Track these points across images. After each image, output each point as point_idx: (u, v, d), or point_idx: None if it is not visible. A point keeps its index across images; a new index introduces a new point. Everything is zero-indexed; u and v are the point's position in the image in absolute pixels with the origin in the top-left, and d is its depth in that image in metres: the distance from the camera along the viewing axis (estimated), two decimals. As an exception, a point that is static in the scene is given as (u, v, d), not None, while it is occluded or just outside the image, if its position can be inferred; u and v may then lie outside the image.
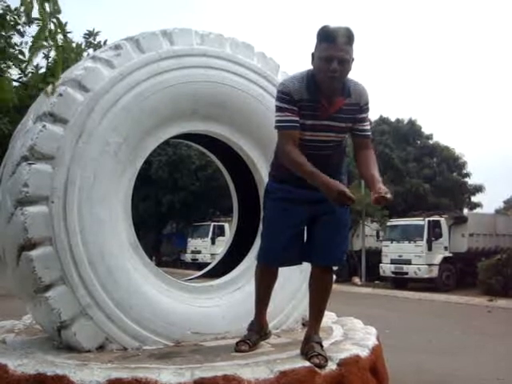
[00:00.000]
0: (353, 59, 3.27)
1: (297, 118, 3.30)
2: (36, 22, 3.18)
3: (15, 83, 7.30)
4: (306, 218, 3.54)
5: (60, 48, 3.13)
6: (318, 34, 3.26)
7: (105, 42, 9.19)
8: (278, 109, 3.34)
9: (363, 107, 3.44)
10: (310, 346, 3.43)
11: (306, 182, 3.34)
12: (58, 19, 2.88)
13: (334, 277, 3.74)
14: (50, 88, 3.48)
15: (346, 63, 3.22)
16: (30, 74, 8.63)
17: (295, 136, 3.30)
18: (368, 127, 3.52)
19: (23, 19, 6.36)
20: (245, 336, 3.72)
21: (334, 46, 3.17)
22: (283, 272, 3.80)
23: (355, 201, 3.11)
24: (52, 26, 2.88)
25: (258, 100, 4.19)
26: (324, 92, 3.30)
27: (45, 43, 3.04)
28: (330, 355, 3.41)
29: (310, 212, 3.52)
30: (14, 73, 7.99)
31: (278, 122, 3.35)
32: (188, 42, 4.00)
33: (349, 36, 3.21)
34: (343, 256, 3.63)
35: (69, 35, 3.25)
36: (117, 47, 3.81)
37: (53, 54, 3.89)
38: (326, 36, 3.19)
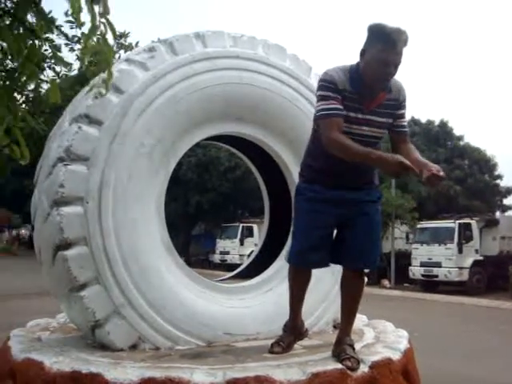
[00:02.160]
0: None
1: (342, 107, 3.25)
2: (83, 24, 3.22)
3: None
4: (337, 219, 3.51)
5: (111, 48, 3.17)
6: (375, 33, 3.20)
7: (136, 44, 9.29)
8: (322, 97, 3.28)
9: (402, 103, 3.44)
10: (342, 348, 3.42)
11: (337, 181, 3.37)
12: (107, 20, 2.91)
13: (366, 279, 3.73)
14: (102, 88, 3.50)
15: (398, 67, 3.23)
16: (63, 77, 8.78)
17: (341, 124, 3.24)
18: (406, 123, 3.52)
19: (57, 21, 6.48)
20: (279, 337, 3.72)
21: (393, 51, 3.15)
22: (315, 273, 3.78)
23: (414, 170, 3.02)
24: (102, 27, 2.92)
25: (290, 102, 4.19)
26: (368, 87, 3.28)
27: (94, 43, 3.08)
28: (362, 358, 3.40)
29: (340, 213, 3.49)
30: (48, 75, 8.12)
31: (322, 110, 3.27)
32: (221, 44, 4.03)
33: (406, 40, 3.19)
34: (376, 259, 3.60)
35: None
36: (151, 49, 3.85)
37: (88, 56, 3.93)
38: (386, 39, 3.13)
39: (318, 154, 3.48)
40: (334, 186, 3.40)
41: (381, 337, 4.10)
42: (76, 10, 2.76)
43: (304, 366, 3.19)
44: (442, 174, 3.04)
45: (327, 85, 3.26)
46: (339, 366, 3.24)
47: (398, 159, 3.04)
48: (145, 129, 3.68)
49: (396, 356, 3.59)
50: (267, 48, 4.21)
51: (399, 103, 3.42)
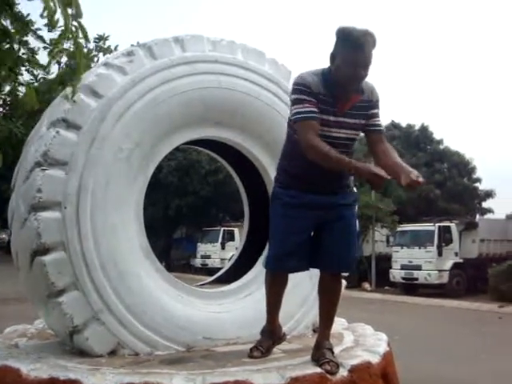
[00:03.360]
0: None
1: (316, 110, 3.27)
2: (57, 26, 3.18)
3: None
4: (313, 224, 3.52)
5: (81, 51, 3.15)
6: (343, 37, 3.24)
7: (116, 47, 9.24)
8: (297, 101, 3.30)
9: (375, 103, 3.47)
10: (321, 352, 3.43)
11: (312, 186, 3.38)
12: (79, 23, 2.90)
13: (344, 282, 3.74)
14: (69, 90, 3.49)
15: (369, 67, 3.26)
16: (41, 80, 8.70)
17: (316, 127, 3.26)
18: (380, 122, 3.53)
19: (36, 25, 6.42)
20: (257, 342, 3.72)
21: (362, 53, 3.19)
22: (293, 278, 3.79)
23: (387, 178, 3.03)
24: (74, 30, 2.90)
25: (269, 106, 4.20)
26: (341, 90, 3.31)
27: (65, 47, 3.07)
28: (341, 361, 3.41)
29: (317, 218, 3.49)
30: (26, 78, 8.04)
31: (297, 113, 3.29)
32: (200, 49, 4.02)
33: (374, 42, 3.23)
34: (353, 262, 3.62)
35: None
36: (129, 54, 3.84)
37: (64, 59, 3.90)
38: (353, 42, 3.18)
39: (293, 158, 3.49)
40: (309, 190, 3.41)
41: (360, 340, 4.11)
42: (50, 12, 2.74)
43: (283, 371, 3.20)
44: (421, 179, 3.05)
45: (302, 88, 3.29)
46: (318, 370, 3.25)
47: (371, 170, 3.07)
48: (123, 133, 3.67)
49: (375, 359, 3.61)
50: (246, 52, 4.21)
51: (372, 104, 3.45)
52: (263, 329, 3.79)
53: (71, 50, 3.10)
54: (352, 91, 3.33)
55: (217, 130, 4.18)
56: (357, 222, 3.64)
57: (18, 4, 4.14)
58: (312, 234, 3.56)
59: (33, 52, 4.20)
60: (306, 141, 3.26)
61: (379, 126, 3.52)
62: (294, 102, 3.33)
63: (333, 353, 3.46)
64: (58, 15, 2.89)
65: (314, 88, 3.28)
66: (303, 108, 3.27)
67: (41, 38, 4.14)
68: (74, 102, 3.53)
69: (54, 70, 8.56)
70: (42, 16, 2.69)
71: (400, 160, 3.32)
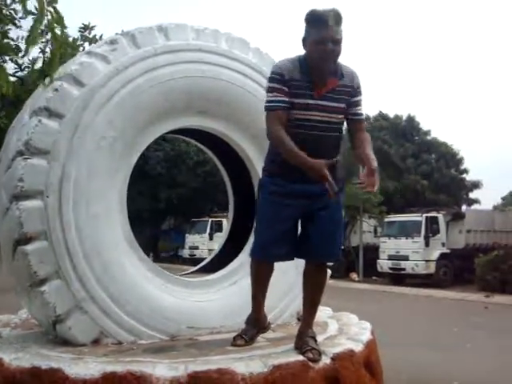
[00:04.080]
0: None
1: (286, 99, 3.33)
2: (32, 14, 3.14)
3: (12, 78, 7.28)
4: (299, 213, 3.54)
5: (58, 39, 3.10)
6: (307, 19, 3.34)
7: (101, 37, 9.18)
8: (269, 89, 3.40)
9: (357, 90, 3.50)
10: (304, 340, 3.44)
11: (297, 174, 3.37)
12: (55, 9, 2.85)
13: (329, 272, 3.75)
14: (47, 80, 3.47)
15: (338, 43, 3.31)
16: (25, 69, 8.64)
17: (282, 116, 3.34)
18: (361, 111, 3.55)
19: (20, 13, 6.36)
20: (242, 330, 3.73)
21: (325, 28, 3.26)
22: (278, 266, 3.79)
23: (330, 181, 3.12)
24: (49, 17, 2.86)
25: (253, 95, 4.19)
26: (317, 73, 3.37)
27: (41, 35, 3.03)
28: (324, 350, 3.42)
29: (303, 207, 3.50)
30: (10, 67, 7.98)
31: (266, 102, 3.40)
32: (183, 37, 4.00)
33: (338, 17, 3.30)
34: (338, 252, 3.61)
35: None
36: (112, 42, 3.81)
37: (49, 48, 3.86)
38: (317, 20, 3.27)
39: None
40: (294, 179, 3.41)
41: (344, 329, 4.13)
42: None
43: (266, 359, 3.20)
44: (374, 189, 3.25)
45: (274, 76, 3.39)
46: (301, 357, 3.26)
47: (320, 171, 3.16)
48: (106, 122, 3.65)
49: (358, 348, 3.62)
50: (230, 41, 4.20)
51: (354, 90, 3.48)
52: (248, 317, 3.79)
53: (50, 38, 3.06)
54: (328, 71, 3.37)
55: (201, 120, 4.17)
56: (342, 211, 3.63)
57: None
58: (299, 223, 3.58)
59: (9, 39, 4.14)
60: (270, 131, 3.39)
61: (360, 114, 3.55)
62: (267, 91, 3.44)
63: (316, 341, 3.47)
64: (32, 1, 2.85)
65: (287, 75, 3.34)
66: (272, 97, 3.36)
67: (13, 23, 4.07)
68: (56, 90, 3.51)
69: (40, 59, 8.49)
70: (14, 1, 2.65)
71: (371, 154, 3.34)
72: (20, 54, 5.76)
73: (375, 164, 3.22)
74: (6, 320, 4.53)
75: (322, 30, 3.26)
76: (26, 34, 7.11)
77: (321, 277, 3.60)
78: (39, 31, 2.99)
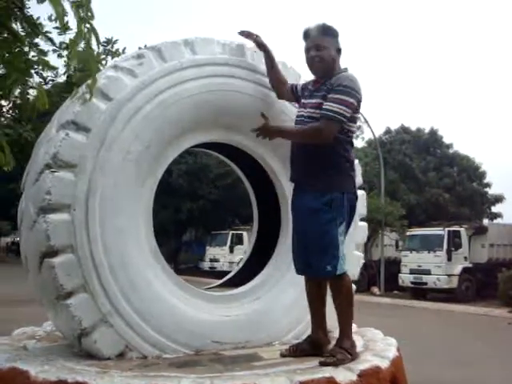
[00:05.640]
0: (339, 49, 3.81)
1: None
2: (68, 30, 3.21)
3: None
4: (301, 226, 3.75)
5: (93, 54, 3.15)
6: (302, 35, 3.86)
7: (123, 50, 9.26)
8: (351, 104, 3.62)
9: (334, 87, 3.62)
10: (328, 349, 3.63)
11: (297, 188, 3.80)
12: (91, 25, 2.90)
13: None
14: (87, 94, 3.52)
15: (321, 49, 3.74)
16: (50, 82, 8.74)
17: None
18: (329, 107, 3.58)
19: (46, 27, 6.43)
20: (296, 343, 3.83)
21: (309, 38, 3.79)
22: (302, 282, 3.82)
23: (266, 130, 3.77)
24: (86, 32, 2.90)
25: (279, 110, 4.18)
26: (314, 78, 3.89)
27: (81, 49, 3.08)
28: (350, 366, 3.39)
29: (301, 220, 3.72)
30: (36, 80, 8.07)
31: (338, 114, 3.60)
32: (210, 51, 4.01)
33: (320, 28, 3.77)
34: (329, 267, 3.55)
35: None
36: (139, 56, 3.83)
37: (75, 62, 3.90)
38: (303, 34, 3.84)
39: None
40: (291, 180, 3.89)
41: (369, 345, 4.08)
42: (59, 15, 2.74)
43: (291, 375, 3.17)
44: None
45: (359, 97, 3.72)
46: (327, 374, 3.23)
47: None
48: (133, 136, 3.65)
49: (384, 364, 3.58)
50: (256, 55, 4.20)
51: (331, 87, 3.64)
52: (309, 335, 3.89)
53: (85, 53, 3.10)
54: (319, 76, 3.82)
55: (227, 134, 4.17)
56: (334, 225, 3.56)
57: (29, 8, 4.15)
58: None
59: (42, 53, 4.19)
60: (328, 136, 3.64)
61: (325, 110, 3.60)
62: (346, 105, 3.66)
63: (342, 348, 3.56)
64: (69, 18, 2.90)
65: (306, 83, 4.02)
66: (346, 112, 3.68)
67: (50, 40, 4.15)
68: (83, 104, 3.54)
69: (62, 71, 8.60)
70: (50, 19, 2.70)
71: (290, 128, 3.88)
72: (50, 68, 5.82)
73: (266, 127, 3.77)
74: (30, 332, 4.54)
75: (307, 41, 3.81)
76: (50, 47, 7.21)
77: (337, 289, 3.68)
78: (78, 45, 3.03)
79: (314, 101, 3.72)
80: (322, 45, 3.74)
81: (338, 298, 3.66)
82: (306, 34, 3.81)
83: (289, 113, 4.17)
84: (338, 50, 3.81)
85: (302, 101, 3.87)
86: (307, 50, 3.80)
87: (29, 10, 3.41)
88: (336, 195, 3.58)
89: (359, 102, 3.66)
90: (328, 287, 3.76)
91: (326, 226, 3.56)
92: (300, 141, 3.74)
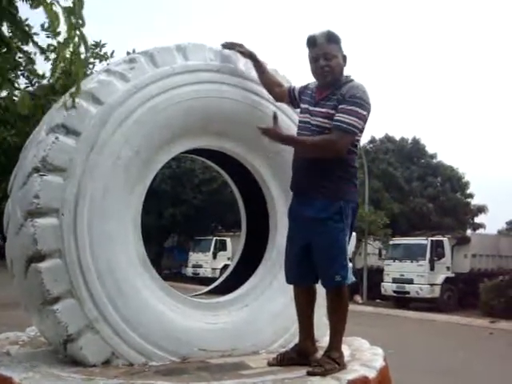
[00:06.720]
0: (344, 56, 3.71)
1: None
2: (55, 34, 3.17)
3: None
4: (302, 236, 3.63)
5: (82, 61, 3.13)
6: (306, 43, 3.74)
7: (112, 54, 9.23)
8: (362, 116, 3.57)
9: (346, 98, 3.54)
10: (317, 359, 3.59)
11: (293, 182, 3.74)
12: (81, 32, 2.88)
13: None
14: (69, 102, 3.48)
15: (330, 58, 3.63)
16: (36, 84, 8.68)
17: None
18: (343, 119, 3.50)
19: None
20: (283, 352, 3.78)
21: (315, 47, 3.67)
22: (290, 291, 3.82)
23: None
24: (76, 39, 2.89)
25: (269, 117, 4.15)
26: (320, 85, 3.74)
27: (68, 55, 3.06)
28: (338, 376, 3.38)
29: (306, 230, 3.59)
30: (21, 82, 8.03)
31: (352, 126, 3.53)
32: (202, 58, 3.99)
33: (327, 36, 3.65)
34: (336, 274, 3.54)
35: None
36: (131, 61, 3.80)
37: (61, 65, 3.88)
38: (308, 42, 3.71)
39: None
40: (298, 201, 3.67)
41: (356, 354, 4.07)
42: (54, 20, 2.73)
43: (280, 384, 3.16)
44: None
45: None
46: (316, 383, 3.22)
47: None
48: (123, 140, 3.62)
49: (372, 374, 3.57)
50: (248, 62, 4.18)
51: (343, 97, 3.56)
52: (296, 343, 3.84)
53: (70, 58, 3.08)
54: (325, 84, 3.69)
55: (217, 140, 4.15)
56: (340, 233, 3.54)
57: (17, 14, 4.12)
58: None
59: (31, 61, 4.15)
60: (341, 148, 3.58)
61: (338, 121, 3.52)
62: (358, 117, 3.61)
63: (330, 358, 3.51)
64: (60, 23, 2.88)
65: (302, 88, 3.91)
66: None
67: (37, 45, 4.10)
68: (74, 108, 3.51)
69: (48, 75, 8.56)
70: (43, 27, 2.69)
71: (305, 138, 3.66)
72: (35, 73, 5.79)
73: (276, 131, 3.66)
74: (13, 337, 4.47)
75: (313, 49, 3.68)
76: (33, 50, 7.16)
77: (333, 299, 3.63)
78: (66, 52, 3.01)
79: (323, 110, 3.61)
80: (330, 53, 3.63)
81: (337, 308, 3.62)
82: (312, 42, 3.68)
83: (281, 122, 4.14)
84: (344, 57, 3.72)
85: (306, 106, 3.74)
86: (315, 59, 3.67)
87: (20, 16, 3.37)
88: (344, 204, 3.57)
89: (369, 113, 3.63)
90: (321, 296, 3.74)
91: (337, 235, 3.53)
92: (310, 153, 3.61)
